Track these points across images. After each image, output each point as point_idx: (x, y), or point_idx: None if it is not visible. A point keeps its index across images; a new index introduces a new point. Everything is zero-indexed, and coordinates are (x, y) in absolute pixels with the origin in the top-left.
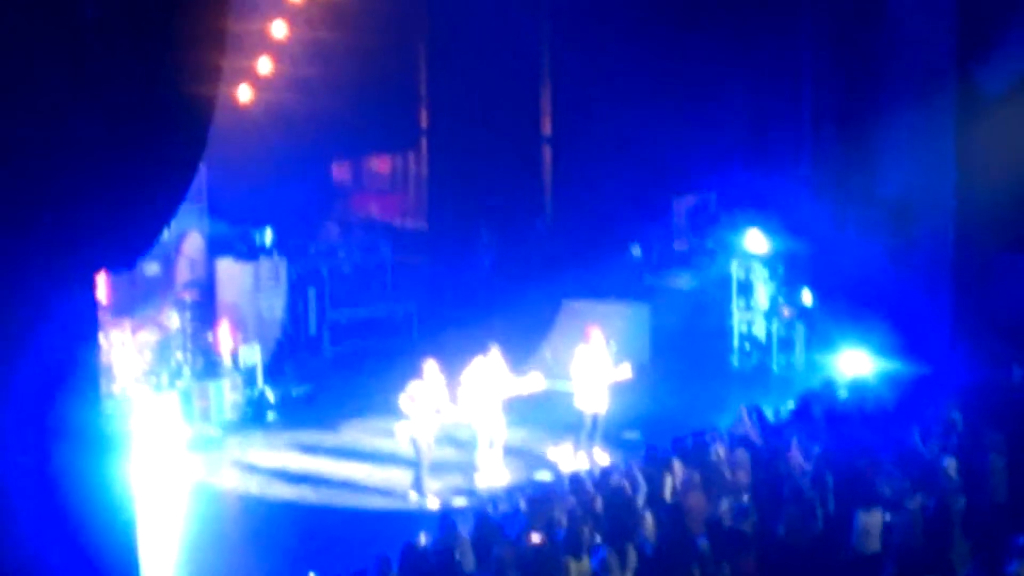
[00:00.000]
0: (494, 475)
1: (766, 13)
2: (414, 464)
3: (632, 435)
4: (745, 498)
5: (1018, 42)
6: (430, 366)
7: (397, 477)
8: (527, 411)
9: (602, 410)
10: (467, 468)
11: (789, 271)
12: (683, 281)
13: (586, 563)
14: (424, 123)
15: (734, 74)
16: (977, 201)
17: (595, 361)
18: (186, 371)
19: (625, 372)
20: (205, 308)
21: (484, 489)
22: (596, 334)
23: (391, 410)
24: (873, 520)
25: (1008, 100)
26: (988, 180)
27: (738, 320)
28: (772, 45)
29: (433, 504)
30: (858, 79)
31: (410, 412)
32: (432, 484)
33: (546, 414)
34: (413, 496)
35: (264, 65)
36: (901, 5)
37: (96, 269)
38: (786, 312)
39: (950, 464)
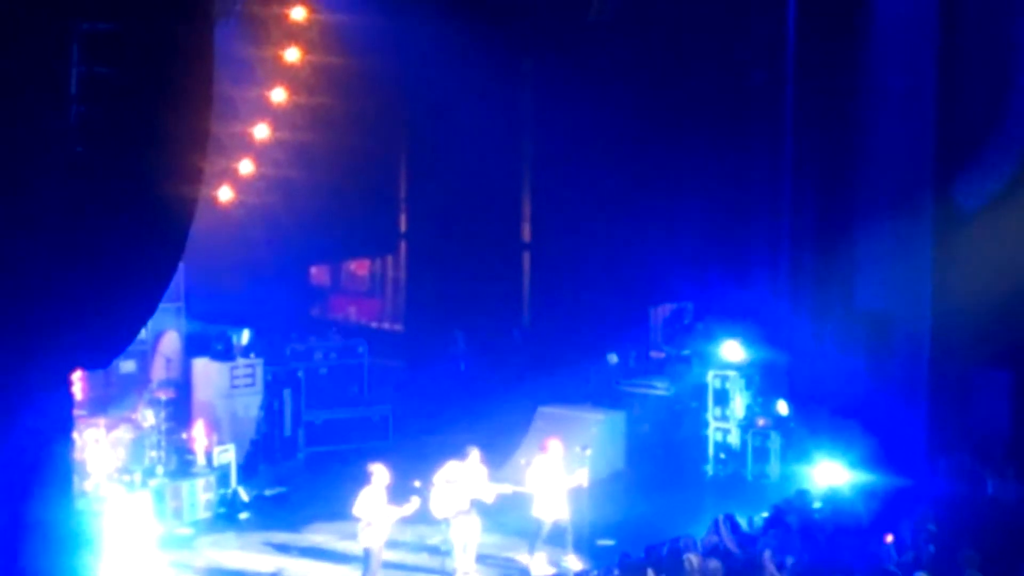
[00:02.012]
0: None
1: (745, 126)
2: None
3: (606, 542)
4: None
5: (996, 157)
6: (379, 470)
7: None
8: (500, 516)
9: (564, 517)
10: (441, 573)
11: (765, 381)
12: (659, 389)
13: None
14: (403, 227)
15: (713, 185)
16: (954, 315)
17: (552, 470)
18: (160, 469)
19: (582, 478)
20: (180, 407)
21: None
22: (555, 445)
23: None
24: None
25: (985, 215)
26: (965, 295)
27: (713, 429)
28: (751, 157)
29: None
30: (837, 191)
31: (363, 517)
32: None
33: (519, 520)
34: None
35: (245, 166)
36: (880, 118)
37: (72, 367)
38: (761, 422)
39: None
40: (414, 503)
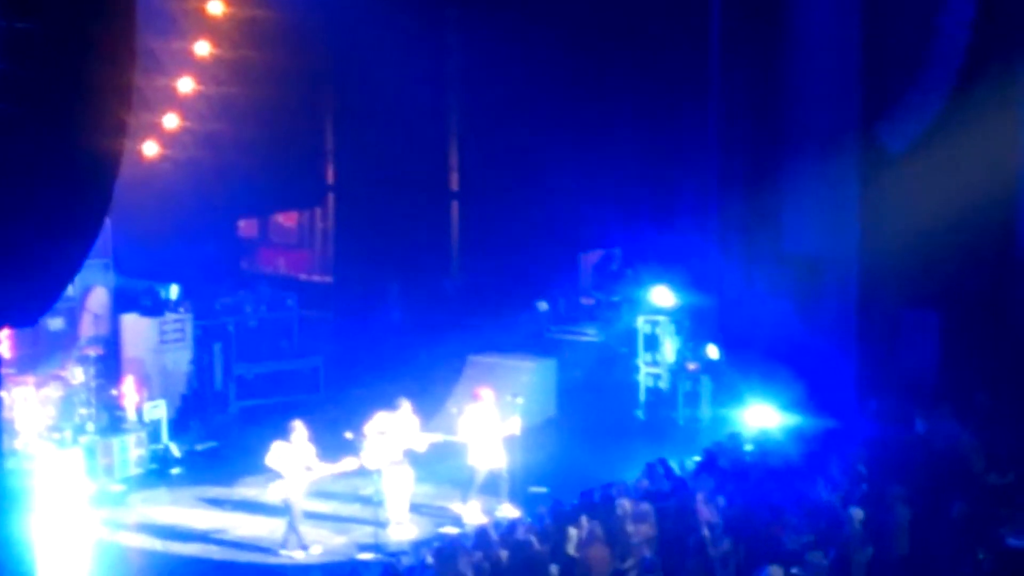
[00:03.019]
0: (401, 529)
1: (673, 71)
2: (288, 520)
3: (539, 489)
4: (650, 552)
5: (920, 99)
6: (298, 427)
7: (302, 532)
8: (433, 466)
9: (499, 465)
10: (375, 523)
11: (695, 326)
12: (589, 336)
13: None
14: (331, 179)
15: (640, 130)
16: (882, 257)
17: (485, 419)
18: (90, 426)
19: (515, 426)
20: (110, 363)
21: (391, 543)
22: (487, 393)
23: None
24: (777, 574)
25: (911, 158)
26: (893, 237)
27: (644, 374)
28: (679, 103)
29: (301, 556)
30: (764, 136)
31: (280, 470)
32: (307, 537)
33: (452, 469)
34: (289, 552)
35: (171, 120)
36: (806, 62)
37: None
38: (692, 366)
39: (855, 514)
40: (349, 463)
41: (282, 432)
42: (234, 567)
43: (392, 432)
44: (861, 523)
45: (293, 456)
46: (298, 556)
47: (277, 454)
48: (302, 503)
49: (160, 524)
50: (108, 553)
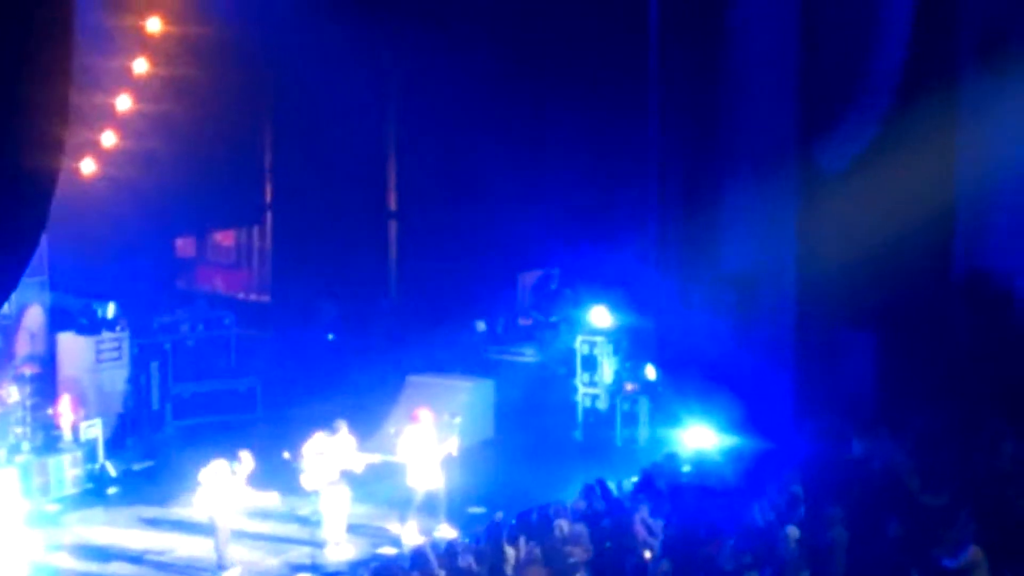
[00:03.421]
0: (338, 550)
1: (611, 91)
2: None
3: (477, 510)
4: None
5: (857, 120)
6: (245, 458)
7: (239, 552)
8: (370, 486)
9: (437, 485)
10: (312, 543)
11: (633, 346)
12: (527, 356)
13: None
14: (268, 197)
15: (578, 151)
16: (819, 277)
17: (424, 440)
18: (25, 445)
19: (452, 447)
20: (45, 382)
21: (329, 564)
22: (425, 414)
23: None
24: None
25: (848, 178)
26: (829, 257)
27: (582, 395)
28: (617, 122)
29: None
30: (702, 156)
31: (209, 487)
32: (238, 558)
33: (390, 489)
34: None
35: (108, 138)
36: (744, 83)
37: None
38: (630, 387)
39: (792, 533)
40: (272, 498)
41: (219, 451)
42: None
43: (330, 452)
44: (797, 543)
45: (225, 480)
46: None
47: (211, 473)
48: (229, 523)
49: (96, 545)
50: (40, 572)
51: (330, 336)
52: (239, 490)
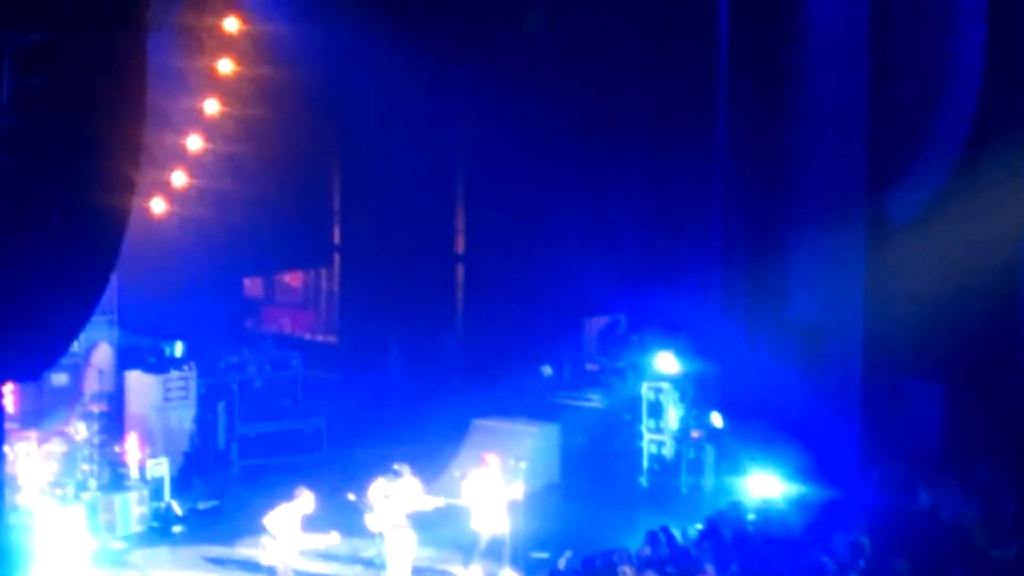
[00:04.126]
0: None
1: (679, 135)
2: None
3: (540, 555)
4: None
5: (926, 169)
6: (305, 496)
7: None
8: (435, 529)
9: (502, 530)
10: None
11: (699, 393)
12: (593, 401)
13: None
14: (337, 239)
15: (645, 196)
16: (886, 326)
17: (489, 484)
18: (92, 483)
19: (518, 491)
20: (113, 420)
21: None
22: (493, 459)
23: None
24: None
25: (916, 227)
26: (896, 306)
27: (647, 441)
28: (684, 168)
29: None
30: (769, 201)
31: (275, 532)
32: None
33: (454, 533)
34: None
35: (178, 178)
36: (813, 128)
37: (3, 379)
38: (695, 434)
39: None
40: (333, 538)
41: (284, 493)
42: None
43: (395, 495)
44: None
45: (290, 521)
46: None
47: (277, 516)
48: (291, 566)
49: None
50: None
51: (395, 378)
52: (297, 530)
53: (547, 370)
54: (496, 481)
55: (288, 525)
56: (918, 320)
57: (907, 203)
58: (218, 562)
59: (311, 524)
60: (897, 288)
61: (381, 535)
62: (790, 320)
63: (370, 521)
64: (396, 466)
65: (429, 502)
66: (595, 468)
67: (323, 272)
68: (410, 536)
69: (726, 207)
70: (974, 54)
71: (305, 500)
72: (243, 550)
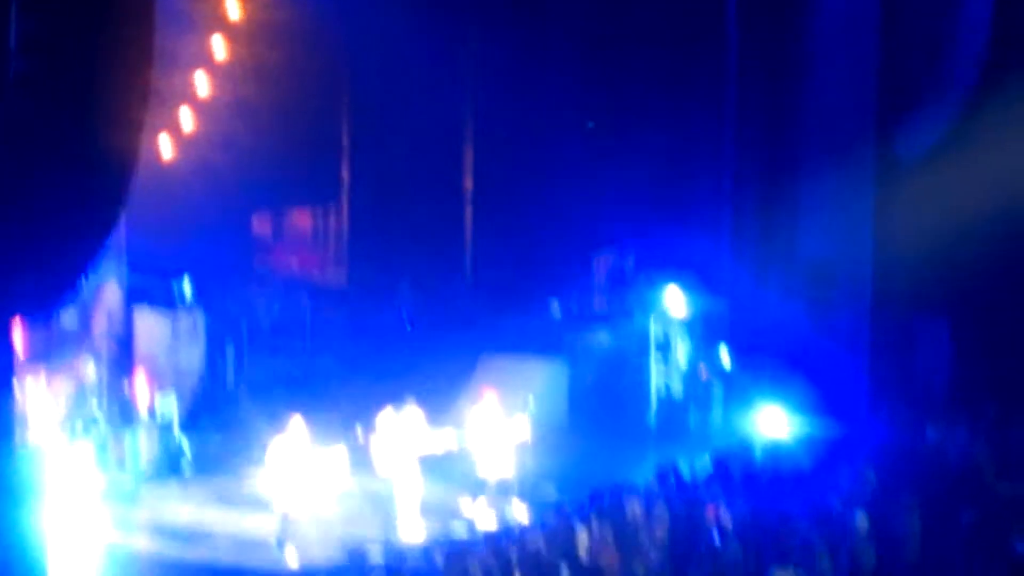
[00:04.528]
0: (410, 529)
1: (689, 75)
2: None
3: (549, 492)
4: (661, 555)
5: (936, 108)
6: (296, 422)
7: (313, 529)
8: (444, 466)
9: (509, 468)
10: (383, 523)
11: (708, 331)
12: (602, 339)
13: None
14: (345, 178)
15: (655, 134)
16: (895, 264)
17: (497, 421)
18: (102, 421)
19: (525, 428)
20: (122, 359)
21: (400, 544)
22: (492, 395)
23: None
24: None
25: (926, 166)
26: (906, 244)
27: (656, 378)
28: (694, 105)
29: (294, 559)
30: (779, 141)
31: (275, 466)
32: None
33: (462, 471)
34: (286, 551)
35: (186, 119)
36: (823, 68)
37: (13, 318)
38: (704, 371)
39: (861, 520)
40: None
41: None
42: (240, 569)
43: (401, 432)
44: (867, 530)
45: (290, 453)
46: (292, 557)
47: (275, 452)
48: (299, 500)
49: (169, 520)
50: (117, 548)
51: (405, 317)
52: (420, 435)
53: (555, 307)
54: (502, 418)
55: (290, 459)
56: (927, 258)
57: (917, 142)
58: (226, 498)
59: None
60: (906, 227)
61: (388, 472)
62: (800, 258)
63: (377, 459)
64: (402, 400)
65: (436, 439)
66: (603, 405)
67: (331, 211)
68: (417, 473)
69: (737, 145)
70: None
71: (298, 426)
72: (251, 486)
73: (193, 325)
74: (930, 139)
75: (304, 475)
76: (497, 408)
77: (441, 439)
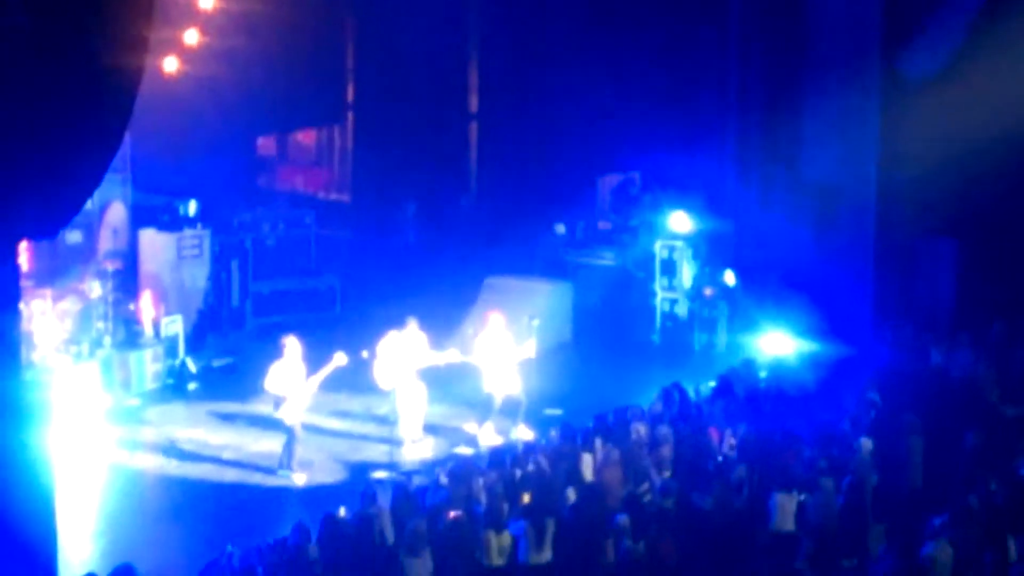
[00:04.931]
0: (415, 449)
1: None
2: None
3: (554, 412)
4: (666, 475)
5: (943, 27)
6: (291, 343)
7: (314, 450)
8: (448, 386)
9: (514, 388)
10: (388, 441)
11: (712, 251)
12: (606, 260)
13: (506, 536)
14: (350, 97)
15: (660, 54)
16: (900, 186)
17: (501, 342)
18: (107, 341)
19: (530, 349)
20: (127, 278)
21: (405, 462)
22: (497, 317)
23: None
24: (786, 500)
25: (931, 87)
26: (910, 166)
27: (660, 299)
28: (698, 26)
29: (300, 480)
30: (784, 62)
31: (279, 391)
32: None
33: (467, 390)
34: (291, 473)
35: (191, 37)
36: None
37: (19, 237)
38: (708, 292)
39: (865, 443)
40: (339, 359)
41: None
42: (245, 488)
43: (405, 350)
44: (871, 451)
45: (289, 374)
46: (297, 478)
47: (274, 375)
48: (301, 422)
49: (174, 440)
50: (122, 467)
51: (410, 236)
52: (421, 353)
53: (560, 228)
54: (507, 339)
55: (290, 379)
56: (932, 179)
57: (922, 62)
58: (231, 418)
59: (324, 381)
60: (911, 147)
61: (392, 391)
62: (805, 179)
63: (379, 377)
64: (405, 320)
65: (439, 357)
66: (608, 326)
67: (336, 130)
68: (421, 391)
69: (742, 64)
70: None
71: (292, 347)
72: (257, 406)
73: (198, 244)
74: (936, 59)
75: (307, 394)
76: (502, 329)
77: (444, 357)
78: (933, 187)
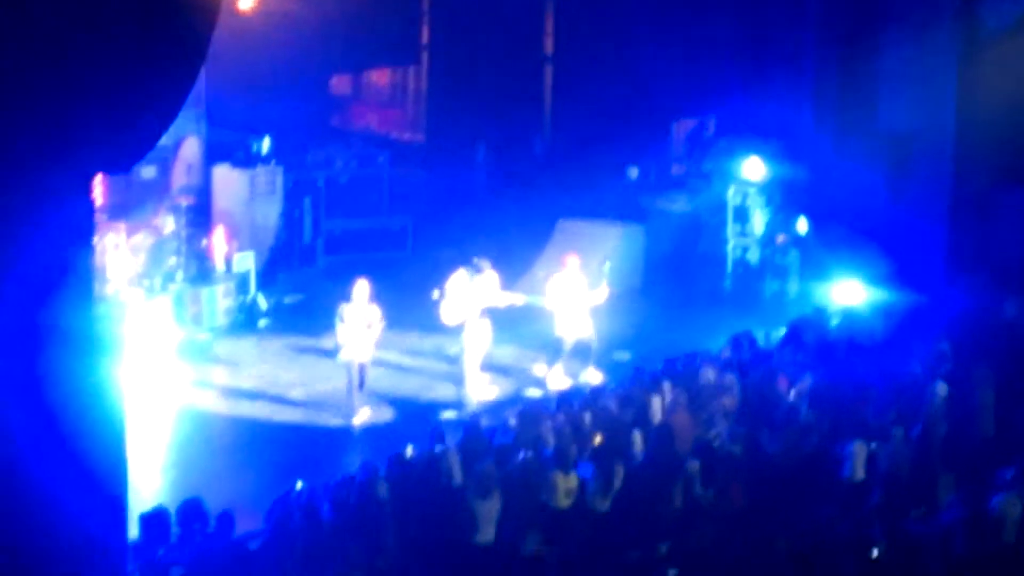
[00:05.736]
0: (483, 389)
1: None
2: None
3: (623, 356)
4: (733, 422)
5: None
6: (360, 286)
7: (385, 388)
8: (518, 328)
9: (585, 331)
10: (456, 381)
11: (786, 198)
12: (679, 205)
13: (573, 478)
14: (425, 38)
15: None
16: (976, 135)
17: (573, 284)
18: (179, 276)
19: (602, 293)
20: (200, 214)
21: (474, 403)
22: (573, 261)
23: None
24: (859, 449)
25: (1009, 35)
26: (987, 114)
27: (732, 245)
28: None
29: (360, 419)
30: (862, 9)
31: (342, 334)
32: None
33: (537, 333)
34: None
35: None
36: None
37: (93, 171)
38: (781, 239)
39: (940, 390)
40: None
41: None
42: (312, 426)
43: (474, 290)
44: (944, 400)
45: (357, 316)
46: (358, 418)
47: (343, 315)
48: (363, 363)
49: (246, 374)
50: (193, 402)
51: (482, 177)
52: (492, 294)
53: (633, 172)
54: (578, 283)
55: (355, 320)
56: (1008, 129)
57: (1001, 11)
58: (301, 353)
59: (394, 320)
60: (989, 96)
61: (462, 330)
62: (880, 127)
63: (446, 315)
64: (476, 259)
65: (509, 298)
66: (679, 271)
67: (411, 71)
68: (486, 328)
69: (819, 9)
70: None
71: (362, 291)
72: (326, 343)
73: (271, 181)
74: (1015, 9)
75: (376, 333)
76: (577, 272)
77: (515, 298)
78: (1010, 136)
